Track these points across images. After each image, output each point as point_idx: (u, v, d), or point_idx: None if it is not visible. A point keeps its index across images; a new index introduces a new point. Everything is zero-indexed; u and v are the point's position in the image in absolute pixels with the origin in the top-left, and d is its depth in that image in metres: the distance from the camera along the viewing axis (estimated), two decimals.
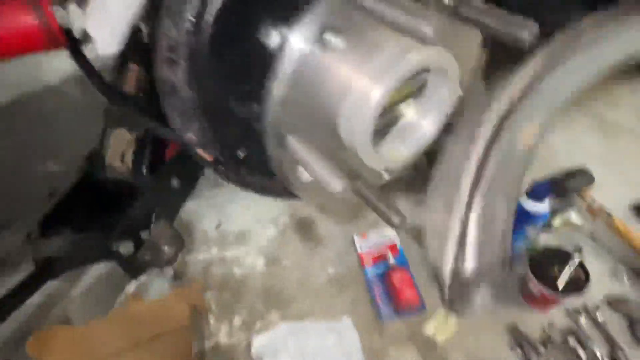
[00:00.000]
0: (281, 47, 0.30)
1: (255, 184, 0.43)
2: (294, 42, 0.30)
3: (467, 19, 0.36)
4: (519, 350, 1.18)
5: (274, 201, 1.48)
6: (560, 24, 1.06)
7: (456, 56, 0.38)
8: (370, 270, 1.40)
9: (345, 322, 1.27)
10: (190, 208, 1.62)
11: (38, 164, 1.75)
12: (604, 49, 0.74)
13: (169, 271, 1.40)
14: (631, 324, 1.23)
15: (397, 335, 1.24)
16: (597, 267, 1.33)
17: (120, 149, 1.35)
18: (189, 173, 1.61)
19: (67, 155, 1.77)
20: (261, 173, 0.37)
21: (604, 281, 1.33)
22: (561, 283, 1.17)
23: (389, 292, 1.33)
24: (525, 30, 0.33)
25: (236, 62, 0.35)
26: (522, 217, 1.20)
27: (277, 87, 0.31)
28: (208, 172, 1.69)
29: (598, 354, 1.16)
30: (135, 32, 0.41)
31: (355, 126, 0.31)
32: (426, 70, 0.37)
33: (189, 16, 0.33)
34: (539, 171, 1.40)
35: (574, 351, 1.17)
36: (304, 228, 1.56)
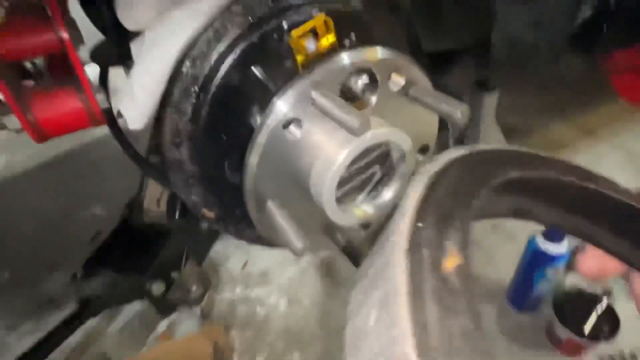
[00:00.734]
0: (258, 126, 0.38)
1: (251, 236, 0.51)
2: (266, 123, 0.38)
3: (415, 99, 0.42)
4: None
5: None
6: (551, 72, 1.09)
7: (413, 134, 0.44)
8: None
9: None
10: (218, 249, 1.71)
11: (84, 209, 1.93)
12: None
13: (197, 310, 1.48)
14: None
15: None
16: (632, 310, 1.27)
17: (156, 196, 1.49)
18: None
19: (110, 201, 1.95)
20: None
21: None
22: (587, 328, 1.13)
23: None
24: (458, 110, 0.38)
25: (227, 140, 0.43)
26: (540, 258, 1.18)
27: (253, 159, 0.39)
28: None
29: None
30: None
31: (322, 188, 0.37)
32: (384, 146, 0.43)
33: (188, 109, 0.42)
34: None
35: None
36: (325, 268, 1.60)
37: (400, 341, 0.16)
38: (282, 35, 0.42)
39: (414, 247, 0.20)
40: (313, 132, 0.38)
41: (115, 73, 0.78)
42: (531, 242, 1.21)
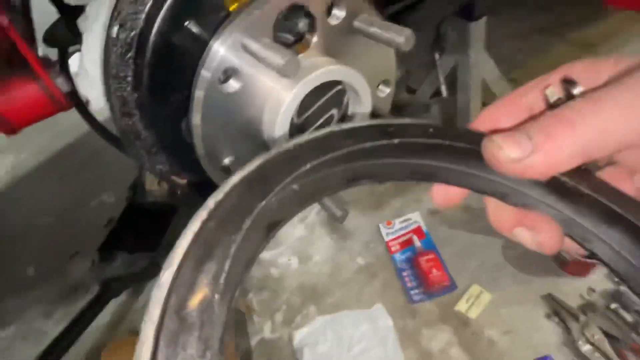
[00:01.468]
0: (194, 82, 0.37)
1: None
2: (202, 77, 0.37)
3: (360, 31, 0.40)
4: (556, 319, 1.16)
5: None
6: None
7: (367, 70, 0.42)
8: (398, 257, 1.43)
9: (377, 308, 1.32)
10: None
11: (94, 198, 1.99)
12: None
13: None
14: None
15: (429, 317, 1.27)
16: None
17: None
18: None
19: (117, 187, 2.00)
20: None
21: None
22: None
23: (418, 276, 1.36)
24: (402, 37, 0.36)
25: (175, 102, 0.42)
26: None
27: (196, 117, 0.38)
28: None
29: None
30: None
31: (275, 136, 0.37)
32: (337, 85, 0.41)
33: (129, 77, 0.42)
34: None
35: (618, 315, 1.13)
36: (331, 223, 1.62)
37: None
38: None
39: (167, 296, 0.22)
40: (253, 80, 0.37)
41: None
42: None
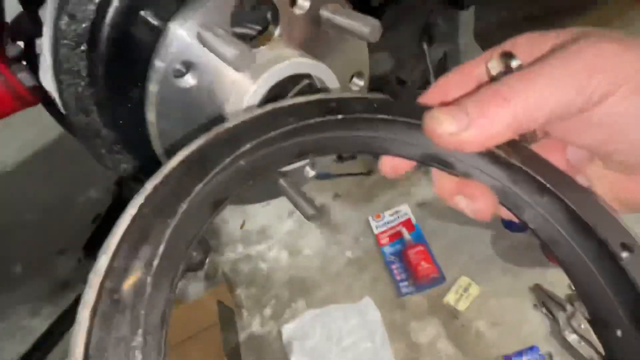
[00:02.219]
0: (148, 76, 0.35)
1: None
2: (155, 71, 0.35)
3: (327, 21, 0.38)
4: (543, 309, 1.16)
5: None
6: None
7: (338, 62, 0.40)
8: (387, 249, 1.42)
9: (366, 302, 1.31)
10: None
11: (80, 194, 1.96)
12: None
13: (201, 274, 1.53)
14: None
15: (418, 309, 1.27)
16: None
17: None
18: None
19: (103, 183, 1.97)
20: None
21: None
22: None
23: (407, 268, 1.35)
24: (368, 27, 0.35)
25: (135, 98, 0.40)
26: None
27: (150, 115, 0.36)
28: None
29: None
30: None
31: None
32: (306, 78, 0.40)
33: (83, 72, 0.39)
34: None
35: None
36: (321, 217, 1.61)
37: None
38: None
39: (102, 281, 0.22)
40: (211, 75, 0.35)
41: None
42: None
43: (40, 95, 0.65)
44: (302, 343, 1.27)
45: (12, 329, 1.51)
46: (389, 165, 0.35)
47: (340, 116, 0.32)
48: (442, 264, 1.33)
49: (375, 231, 1.48)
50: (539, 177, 0.31)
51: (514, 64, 0.31)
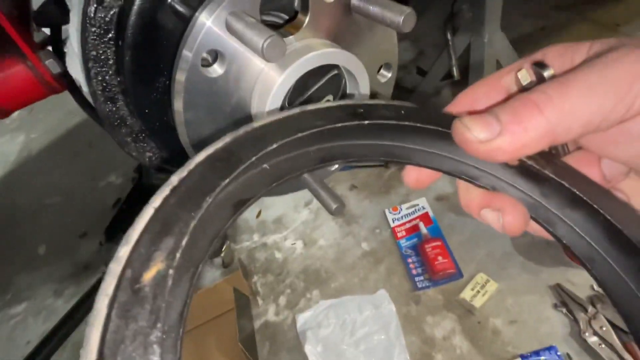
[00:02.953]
0: (175, 65, 0.35)
1: None
2: (182, 59, 0.34)
3: (358, 10, 0.37)
4: (563, 310, 1.13)
5: None
6: None
7: (367, 53, 0.39)
8: (404, 243, 1.41)
9: (381, 294, 1.31)
10: None
11: (101, 179, 2.00)
12: None
13: (218, 261, 1.55)
14: None
15: (433, 304, 1.26)
16: None
17: None
18: None
19: (125, 168, 2.00)
20: None
21: None
22: None
23: (423, 262, 1.34)
24: (401, 17, 0.33)
25: (162, 87, 0.40)
26: None
27: (177, 104, 0.36)
28: None
29: None
30: None
31: (264, 114, 0.35)
32: (334, 69, 0.39)
33: (110, 60, 0.39)
34: None
35: None
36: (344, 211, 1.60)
37: (86, 356, 0.19)
38: None
39: (122, 270, 0.22)
40: (239, 64, 0.34)
41: None
42: None
43: (66, 82, 0.66)
44: (316, 332, 1.28)
45: (37, 308, 1.57)
46: (414, 176, 0.34)
47: (367, 122, 0.31)
48: (460, 259, 1.31)
49: (392, 224, 1.47)
50: (574, 190, 0.29)
51: (547, 73, 0.29)
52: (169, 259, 0.22)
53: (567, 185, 0.29)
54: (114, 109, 0.42)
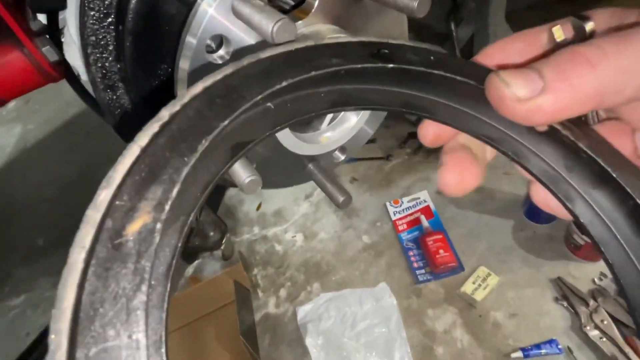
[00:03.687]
0: (179, 51, 0.33)
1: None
2: (186, 45, 0.33)
3: None
4: (564, 303, 1.13)
5: None
6: None
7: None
8: (405, 236, 1.41)
9: (382, 287, 1.30)
10: (232, 194, 1.73)
11: (99, 170, 1.97)
12: None
13: (218, 253, 1.54)
14: None
15: (434, 297, 1.26)
16: None
17: None
18: None
19: None
20: None
21: None
22: None
23: (424, 256, 1.33)
24: (415, 1, 0.32)
25: (164, 74, 0.38)
26: None
27: (180, 91, 0.35)
28: None
29: None
30: None
31: None
32: None
33: (110, 46, 0.38)
34: None
35: None
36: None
37: (57, 319, 0.16)
38: None
39: (101, 220, 0.18)
40: (245, 49, 0.33)
41: None
42: None
43: (63, 70, 0.64)
44: (317, 325, 1.28)
45: (35, 300, 1.56)
46: (432, 131, 0.31)
47: (390, 65, 0.28)
48: (461, 253, 1.31)
49: (393, 217, 1.46)
50: (604, 167, 0.26)
51: (589, 27, 0.26)
52: (156, 210, 0.19)
53: (599, 161, 0.26)
54: (114, 97, 0.41)
